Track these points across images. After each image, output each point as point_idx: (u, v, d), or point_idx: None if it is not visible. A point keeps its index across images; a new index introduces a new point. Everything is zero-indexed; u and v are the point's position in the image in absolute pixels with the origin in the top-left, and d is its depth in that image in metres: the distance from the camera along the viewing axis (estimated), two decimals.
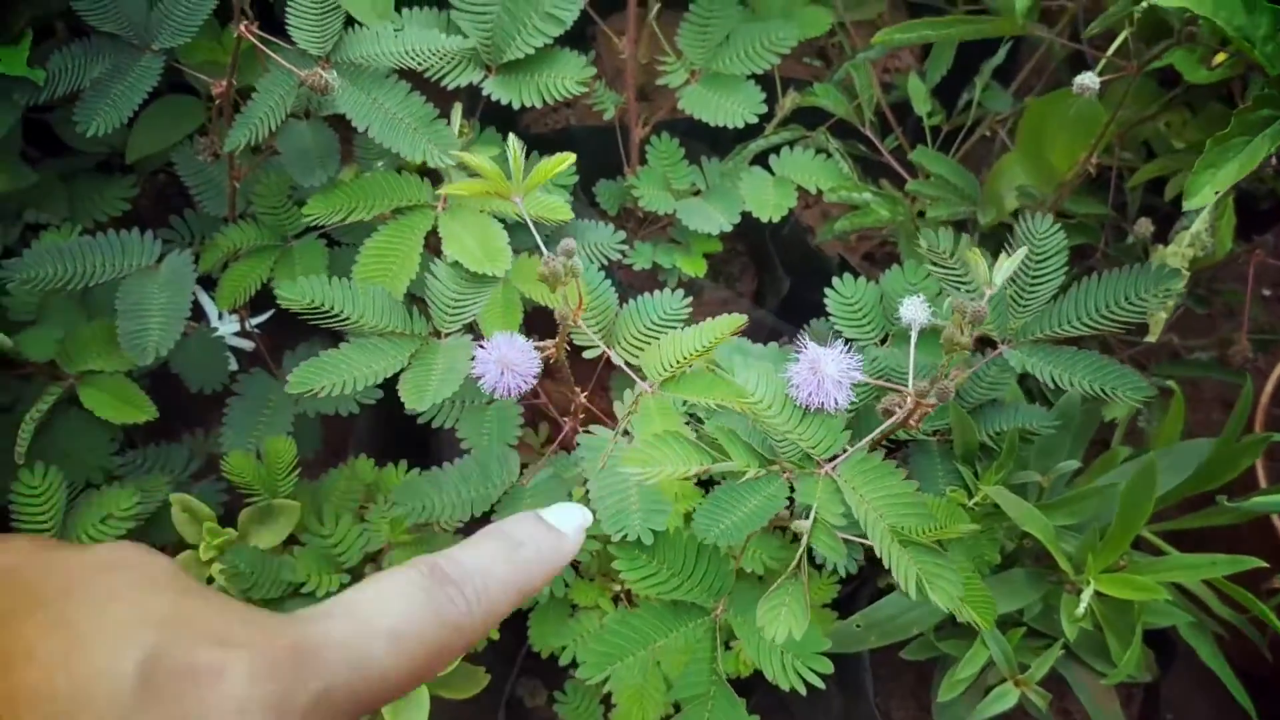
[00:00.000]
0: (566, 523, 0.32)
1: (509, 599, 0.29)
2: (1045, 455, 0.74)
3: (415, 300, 0.67)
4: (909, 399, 0.56)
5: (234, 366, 0.78)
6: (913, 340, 0.62)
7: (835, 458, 0.53)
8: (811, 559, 0.81)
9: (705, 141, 0.90)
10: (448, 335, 0.65)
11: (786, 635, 0.49)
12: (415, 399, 0.60)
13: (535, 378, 0.60)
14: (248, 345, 0.81)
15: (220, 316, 0.80)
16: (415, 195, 0.70)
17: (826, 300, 0.76)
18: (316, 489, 0.75)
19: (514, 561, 0.30)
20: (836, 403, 0.53)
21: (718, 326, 0.58)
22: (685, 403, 0.57)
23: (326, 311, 0.63)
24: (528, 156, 0.80)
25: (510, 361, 0.58)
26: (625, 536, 0.62)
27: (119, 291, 0.68)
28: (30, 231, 0.79)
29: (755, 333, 0.80)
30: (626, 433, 0.66)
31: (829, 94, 0.85)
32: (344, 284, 0.64)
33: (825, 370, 0.52)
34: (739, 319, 0.59)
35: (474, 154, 0.69)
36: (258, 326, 0.81)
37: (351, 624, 0.26)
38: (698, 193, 0.87)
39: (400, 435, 0.85)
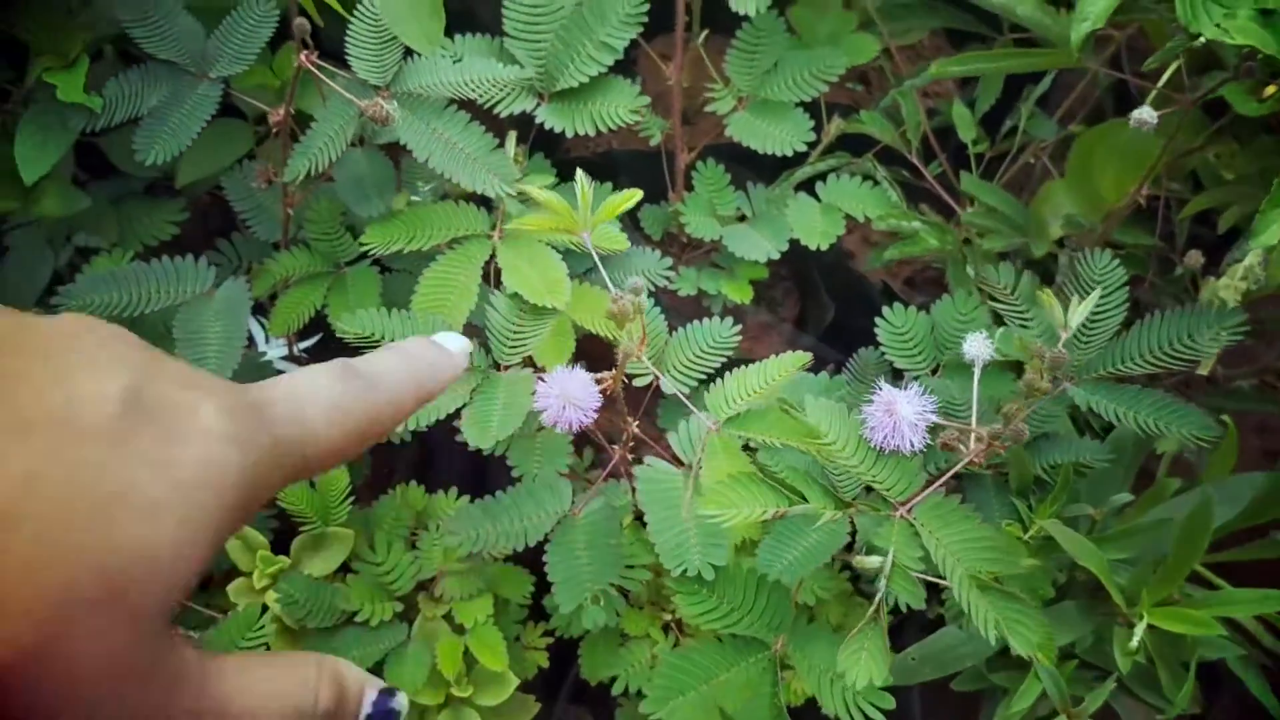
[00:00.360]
0: (453, 344, 0.37)
1: (411, 396, 0.33)
2: (1097, 488, 0.74)
3: (470, 332, 0.67)
4: (980, 438, 0.56)
5: None
6: (976, 376, 0.62)
7: (909, 500, 0.53)
8: (858, 588, 0.81)
9: (747, 166, 0.90)
10: (507, 368, 0.64)
11: (868, 681, 0.49)
12: (479, 436, 0.59)
13: (596, 412, 0.60)
14: (294, 370, 0.81)
15: (267, 340, 0.80)
16: (472, 225, 0.70)
17: (877, 330, 0.76)
18: (368, 516, 0.75)
19: (413, 368, 0.34)
20: (912, 445, 0.53)
21: (782, 364, 0.58)
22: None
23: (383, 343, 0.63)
24: (565, 180, 0.81)
25: (572, 395, 0.58)
26: (685, 571, 0.62)
27: (176, 319, 0.68)
28: (79, 255, 0.79)
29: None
30: (681, 463, 0.67)
31: (875, 121, 0.85)
32: (403, 316, 0.64)
33: (901, 412, 0.52)
34: (804, 356, 0.59)
35: (529, 184, 0.70)
36: (305, 350, 0.81)
37: (292, 396, 0.29)
38: (742, 218, 0.87)
39: (446, 458, 0.85)
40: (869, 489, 0.56)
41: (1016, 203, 0.80)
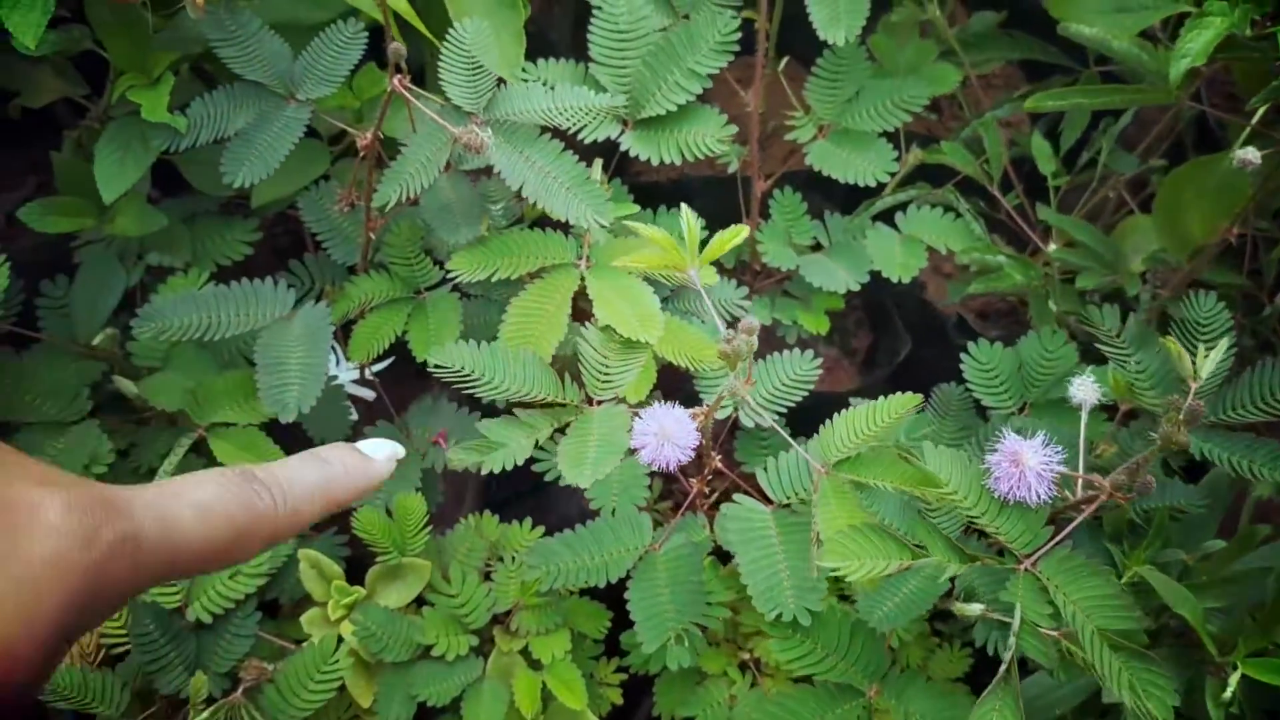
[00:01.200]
0: (377, 451, 0.36)
1: (314, 504, 0.33)
2: (1189, 532, 0.72)
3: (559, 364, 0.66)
4: (1101, 488, 0.54)
5: (354, 417, 0.77)
6: (1083, 421, 0.61)
7: (1035, 553, 0.51)
8: (934, 628, 0.80)
9: (817, 192, 0.89)
10: (600, 403, 0.63)
11: None
12: (575, 473, 0.58)
13: (694, 450, 0.58)
14: (368, 394, 0.79)
15: (338, 363, 0.79)
16: (559, 254, 0.68)
17: (963, 366, 0.75)
18: (442, 545, 0.73)
19: (325, 475, 0.34)
20: (1038, 496, 0.51)
21: (893, 406, 0.56)
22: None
23: (474, 378, 0.62)
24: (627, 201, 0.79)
25: (670, 433, 0.56)
26: (779, 616, 0.61)
27: (258, 345, 0.67)
28: (151, 274, 0.78)
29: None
30: (770, 500, 0.65)
31: (956, 152, 0.83)
32: (493, 350, 0.63)
33: (1027, 462, 0.51)
34: (914, 398, 0.57)
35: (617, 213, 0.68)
36: (377, 374, 0.79)
37: (161, 493, 0.29)
38: (817, 247, 0.86)
39: (516, 483, 0.84)
40: (980, 534, 0.54)
41: (1106, 239, 0.78)
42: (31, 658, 0.25)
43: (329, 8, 0.79)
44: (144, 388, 0.71)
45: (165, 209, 0.78)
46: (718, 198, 0.91)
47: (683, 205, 0.56)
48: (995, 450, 0.52)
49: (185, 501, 0.30)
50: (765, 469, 0.66)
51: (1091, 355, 0.79)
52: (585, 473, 0.58)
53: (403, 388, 0.82)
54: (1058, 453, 0.53)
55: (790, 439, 0.61)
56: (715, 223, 0.90)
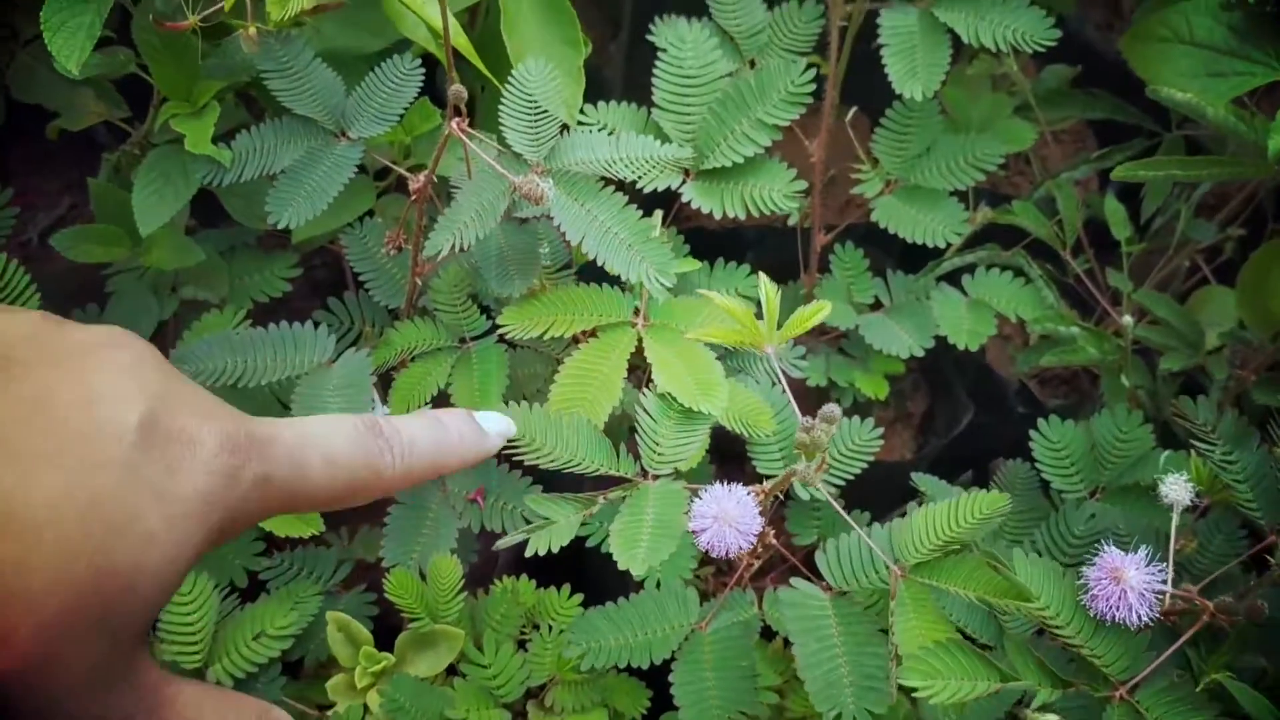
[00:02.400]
0: (492, 425, 0.38)
1: (426, 469, 0.34)
2: (1270, 636, 0.68)
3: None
4: (1203, 607, 0.50)
5: None
6: (1174, 524, 0.57)
7: (1132, 679, 0.47)
8: None
9: (875, 245, 0.85)
10: (657, 478, 0.59)
11: None
12: (628, 557, 0.54)
13: (757, 535, 0.55)
14: None
15: (375, 406, 0.76)
16: (616, 311, 0.65)
17: (1031, 444, 0.71)
18: (476, 610, 0.70)
19: (441, 442, 0.35)
20: (1139, 617, 0.47)
21: (978, 504, 0.52)
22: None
23: (521, 443, 0.58)
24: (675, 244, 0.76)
25: (732, 518, 0.53)
26: (838, 716, 0.57)
27: (295, 395, 0.64)
28: (185, 306, 0.75)
29: (931, 466, 0.74)
30: (828, 587, 0.61)
31: (1029, 213, 0.79)
32: (542, 414, 0.59)
33: (1129, 580, 0.47)
34: (1001, 499, 0.53)
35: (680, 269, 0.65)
36: None
37: (299, 438, 0.30)
38: (877, 305, 0.82)
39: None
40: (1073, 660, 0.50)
41: (1189, 317, 0.74)
42: (175, 587, 0.27)
43: (384, 35, 0.76)
44: None
45: (203, 240, 0.75)
46: (774, 248, 0.88)
47: (762, 276, 0.52)
48: (1093, 565, 0.48)
49: (318, 450, 0.31)
50: (824, 552, 0.62)
51: (1168, 436, 0.75)
52: (639, 557, 0.54)
53: None
54: (1161, 571, 0.49)
55: (855, 524, 0.57)
56: (771, 274, 0.87)
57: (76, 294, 0.77)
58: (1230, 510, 0.66)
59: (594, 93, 0.74)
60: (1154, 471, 0.70)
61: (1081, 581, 0.48)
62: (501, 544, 0.54)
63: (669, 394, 0.60)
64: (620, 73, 0.96)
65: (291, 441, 0.30)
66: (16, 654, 0.24)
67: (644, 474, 0.60)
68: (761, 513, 0.57)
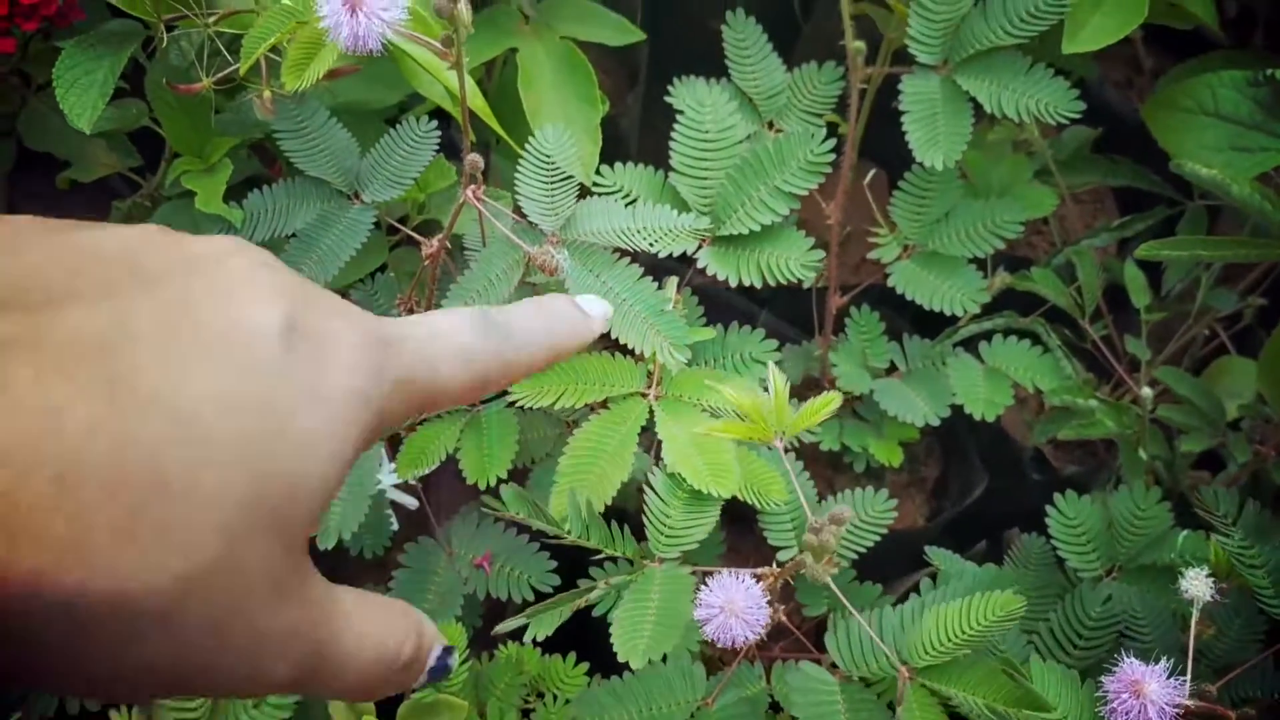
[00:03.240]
0: (594, 309, 0.37)
1: (543, 355, 0.33)
2: None
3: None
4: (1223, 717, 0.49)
5: (395, 527, 0.73)
6: (1194, 619, 0.56)
7: None
8: None
9: (888, 306, 0.84)
10: (664, 562, 0.58)
11: None
12: (629, 649, 0.53)
13: (765, 628, 0.54)
14: (410, 502, 0.75)
15: (381, 463, 0.75)
16: (627, 381, 0.64)
17: (1048, 520, 0.70)
18: (479, 677, 0.68)
19: (550, 327, 0.34)
20: None
21: (992, 605, 0.51)
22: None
23: (525, 519, 0.57)
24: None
25: (739, 609, 0.52)
26: None
27: None
28: None
29: (944, 541, 0.73)
30: (836, 667, 0.60)
31: (1048, 281, 0.79)
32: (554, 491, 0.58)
33: (1149, 693, 0.46)
34: (1017, 601, 0.52)
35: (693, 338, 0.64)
36: (422, 478, 0.75)
37: (431, 335, 0.30)
38: (892, 369, 0.81)
39: None
40: None
41: (1211, 395, 0.73)
42: (337, 490, 0.26)
43: (399, 89, 0.76)
44: None
45: None
46: (788, 306, 0.87)
47: (772, 366, 0.51)
48: (1113, 676, 0.47)
49: (450, 348, 0.30)
50: (834, 633, 0.61)
51: (1185, 508, 0.74)
52: (639, 649, 0.53)
53: (445, 493, 0.77)
54: (1181, 684, 0.48)
55: (864, 618, 0.56)
56: (785, 332, 0.86)
57: None
58: (1250, 593, 0.65)
59: (610, 143, 0.73)
60: (1171, 551, 0.69)
61: (1100, 693, 0.47)
62: (501, 629, 0.53)
63: (676, 473, 0.59)
64: (637, 123, 0.95)
65: (425, 339, 0.30)
66: (201, 558, 0.23)
67: (645, 556, 0.59)
68: (769, 591, 0.56)
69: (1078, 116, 0.69)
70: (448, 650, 0.32)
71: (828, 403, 0.51)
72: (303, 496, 0.25)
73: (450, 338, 0.31)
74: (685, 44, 1.03)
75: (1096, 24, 0.73)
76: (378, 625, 0.30)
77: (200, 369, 0.24)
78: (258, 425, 0.24)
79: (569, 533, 0.56)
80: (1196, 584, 0.55)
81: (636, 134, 0.96)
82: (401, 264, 0.77)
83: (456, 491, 0.77)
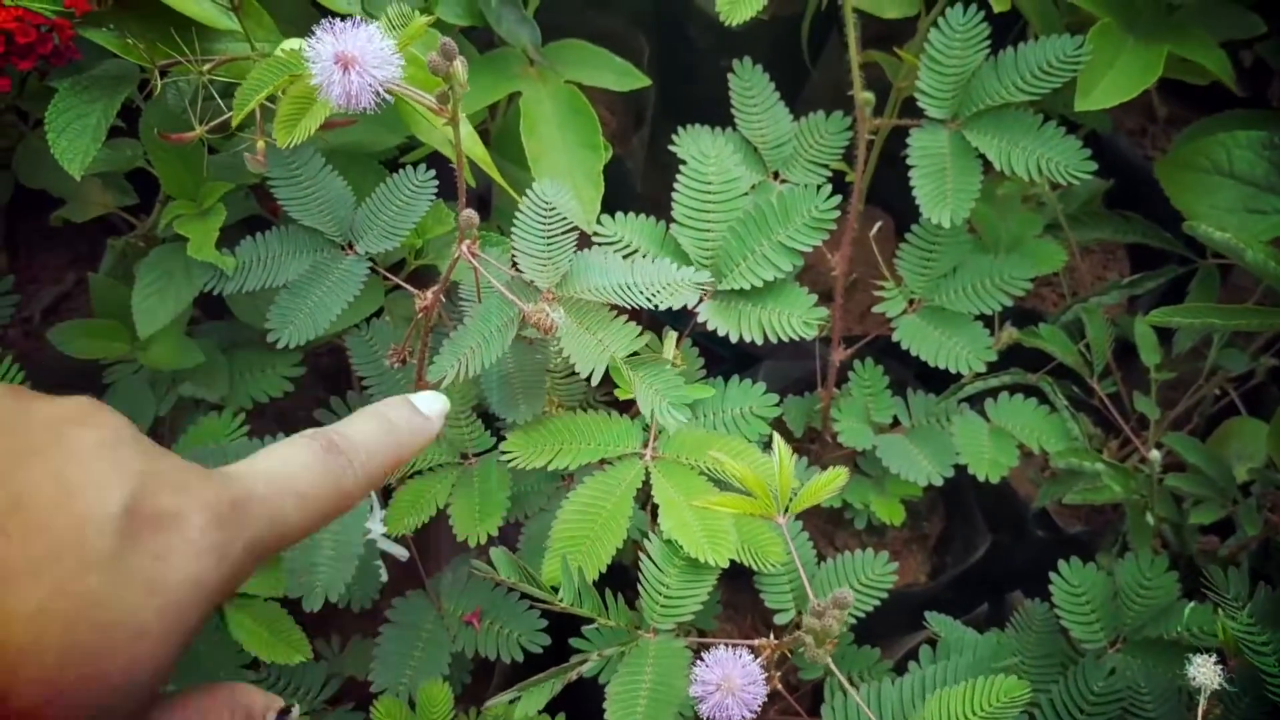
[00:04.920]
0: (433, 407, 0.37)
1: (385, 469, 0.34)
2: None
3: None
4: None
5: (384, 579, 0.71)
6: (1201, 705, 0.54)
7: None
8: None
9: (894, 359, 0.83)
10: (657, 632, 0.57)
11: None
12: None
13: (761, 706, 0.52)
14: (400, 553, 0.73)
15: (371, 510, 0.73)
16: (624, 442, 0.62)
17: (1051, 587, 0.68)
18: None
19: (390, 437, 0.34)
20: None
21: (994, 689, 0.50)
22: None
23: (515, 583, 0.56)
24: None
25: (735, 685, 0.50)
26: None
27: None
28: (183, 403, 0.73)
29: (937, 606, 0.71)
30: None
31: (1056, 339, 0.77)
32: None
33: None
34: (1021, 687, 0.50)
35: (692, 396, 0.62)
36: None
37: (271, 486, 0.30)
38: (895, 424, 0.80)
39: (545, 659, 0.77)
40: None
41: (1221, 463, 0.71)
42: (169, 668, 0.27)
43: (397, 132, 0.74)
44: None
45: (205, 333, 0.73)
46: (790, 357, 0.85)
47: (775, 437, 0.50)
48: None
49: (290, 494, 0.30)
50: (831, 708, 0.60)
51: (1194, 577, 0.72)
52: None
53: (434, 544, 0.76)
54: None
55: (865, 705, 0.54)
56: (787, 384, 0.84)
57: (77, 376, 0.75)
58: (1260, 672, 0.63)
59: (614, 183, 0.72)
60: (1178, 624, 0.68)
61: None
62: (490, 704, 0.52)
63: (673, 539, 0.58)
64: (641, 164, 0.94)
65: (267, 494, 0.30)
66: None
67: (638, 626, 0.57)
68: (766, 661, 0.54)
69: (1088, 176, 0.67)
70: (284, 711, 0.32)
71: (833, 479, 0.50)
72: (132, 690, 0.26)
73: (291, 484, 0.31)
74: (692, 83, 1.02)
75: (1110, 82, 0.71)
76: None
77: (28, 582, 0.24)
78: (86, 631, 0.24)
79: (561, 600, 0.55)
80: (1204, 671, 0.54)
81: (640, 174, 0.95)
82: (398, 308, 0.76)
83: (447, 539, 0.76)
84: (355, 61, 0.48)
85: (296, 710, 0.34)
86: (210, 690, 0.31)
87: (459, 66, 0.50)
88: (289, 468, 0.31)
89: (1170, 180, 0.74)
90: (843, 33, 0.72)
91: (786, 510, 0.48)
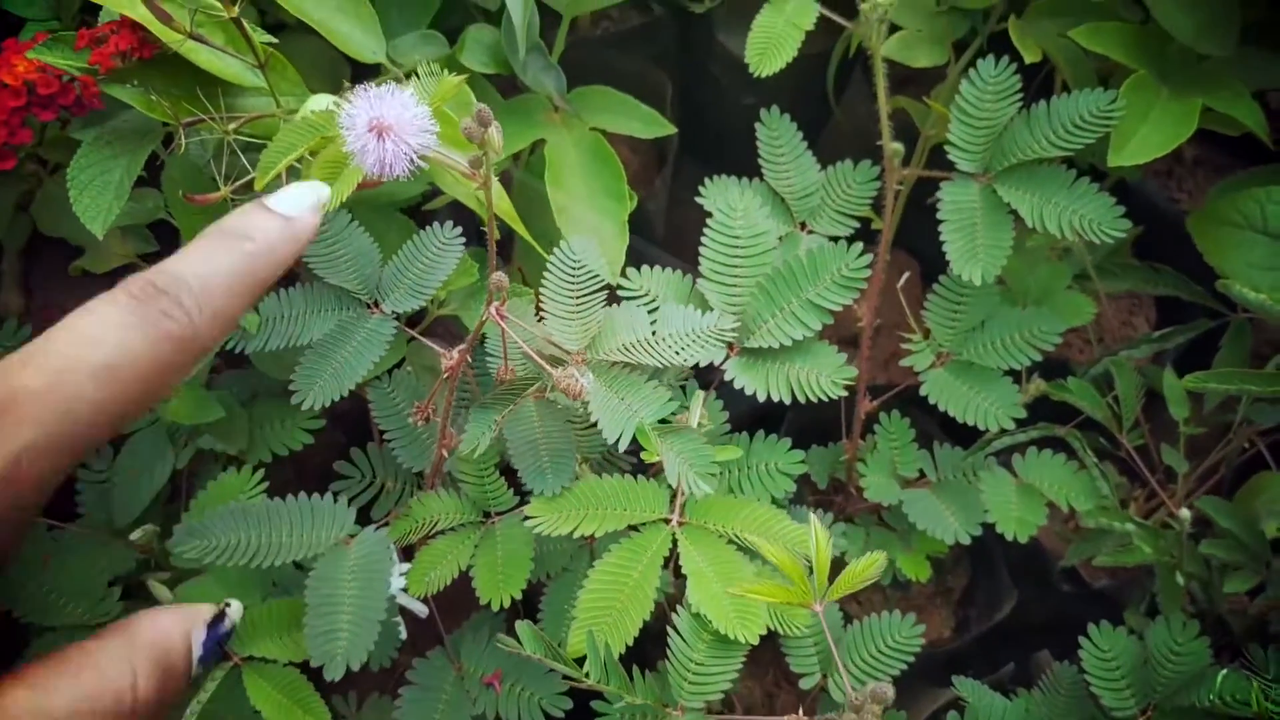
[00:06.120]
0: (295, 205, 0.30)
1: (236, 296, 0.28)
2: None
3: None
4: None
5: (403, 636, 0.70)
6: None
7: None
8: None
9: (919, 409, 0.82)
10: (686, 710, 0.56)
11: None
12: None
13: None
14: (420, 609, 0.72)
15: (393, 567, 0.72)
16: (651, 508, 0.61)
17: (1081, 652, 0.67)
18: None
19: (236, 254, 0.28)
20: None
21: None
22: None
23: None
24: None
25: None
26: None
27: (310, 578, 0.60)
28: (201, 454, 0.72)
29: (962, 662, 0.71)
30: None
31: (1086, 393, 0.76)
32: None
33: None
34: None
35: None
36: None
37: (52, 369, 0.25)
38: (921, 477, 0.79)
39: None
40: None
41: (1256, 528, 0.70)
42: None
43: (422, 179, 0.73)
44: (179, 595, 0.65)
45: (225, 385, 0.72)
46: (815, 408, 0.84)
47: (813, 519, 0.49)
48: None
49: (83, 371, 0.25)
50: None
51: (1225, 636, 0.72)
52: None
53: (452, 593, 0.75)
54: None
55: None
56: (809, 439, 0.83)
57: None
58: None
59: (636, 225, 0.72)
60: (1210, 691, 0.66)
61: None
62: None
63: (700, 613, 0.57)
64: (664, 206, 0.93)
65: (46, 385, 0.25)
66: None
67: (663, 702, 0.56)
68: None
69: (1122, 236, 0.66)
70: (217, 617, 0.29)
71: (870, 565, 0.49)
72: None
73: (83, 359, 0.26)
74: (715, 121, 1.01)
75: (1143, 136, 0.70)
76: (80, 692, 0.25)
77: None
78: None
79: (587, 676, 0.54)
80: None
81: (663, 217, 0.94)
82: (418, 358, 0.75)
83: (466, 593, 0.75)
84: (391, 130, 0.47)
85: (234, 610, 0.31)
86: (96, 655, 0.26)
87: (494, 134, 0.50)
88: (85, 336, 0.26)
89: (1203, 235, 0.73)
90: (866, 73, 0.71)
91: (824, 598, 0.47)
